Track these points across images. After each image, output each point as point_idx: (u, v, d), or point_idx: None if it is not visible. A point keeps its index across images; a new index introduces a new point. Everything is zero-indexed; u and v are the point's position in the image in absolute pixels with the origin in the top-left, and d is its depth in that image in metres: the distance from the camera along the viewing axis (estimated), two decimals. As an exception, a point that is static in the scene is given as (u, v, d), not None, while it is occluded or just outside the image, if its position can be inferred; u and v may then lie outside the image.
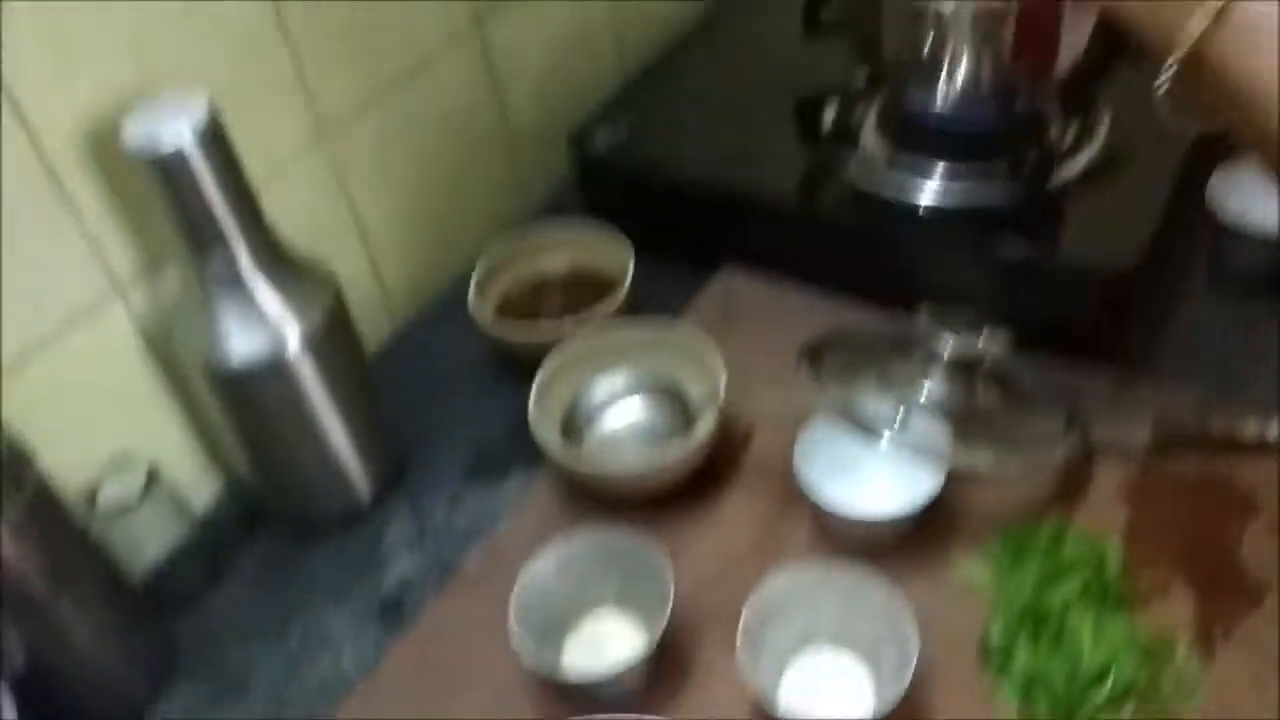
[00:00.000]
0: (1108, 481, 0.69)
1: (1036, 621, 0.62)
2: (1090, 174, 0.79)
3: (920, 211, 0.79)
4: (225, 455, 0.77)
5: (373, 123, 0.83)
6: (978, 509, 0.69)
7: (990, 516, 0.68)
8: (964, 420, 0.68)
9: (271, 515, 0.77)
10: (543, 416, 0.73)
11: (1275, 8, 0.48)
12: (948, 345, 0.69)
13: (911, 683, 0.57)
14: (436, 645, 0.68)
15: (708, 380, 0.74)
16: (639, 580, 0.64)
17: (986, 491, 0.69)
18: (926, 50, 0.74)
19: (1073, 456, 0.69)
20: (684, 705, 0.63)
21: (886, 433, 0.66)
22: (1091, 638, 0.60)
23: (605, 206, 0.91)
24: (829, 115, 0.83)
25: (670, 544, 0.66)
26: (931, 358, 0.70)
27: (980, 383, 0.70)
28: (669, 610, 0.61)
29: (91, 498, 0.69)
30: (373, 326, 0.87)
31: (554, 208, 0.94)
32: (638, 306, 0.83)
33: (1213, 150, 0.83)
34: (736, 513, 0.72)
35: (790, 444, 0.69)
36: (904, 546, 0.67)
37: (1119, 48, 0.74)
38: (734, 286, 0.87)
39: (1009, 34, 0.72)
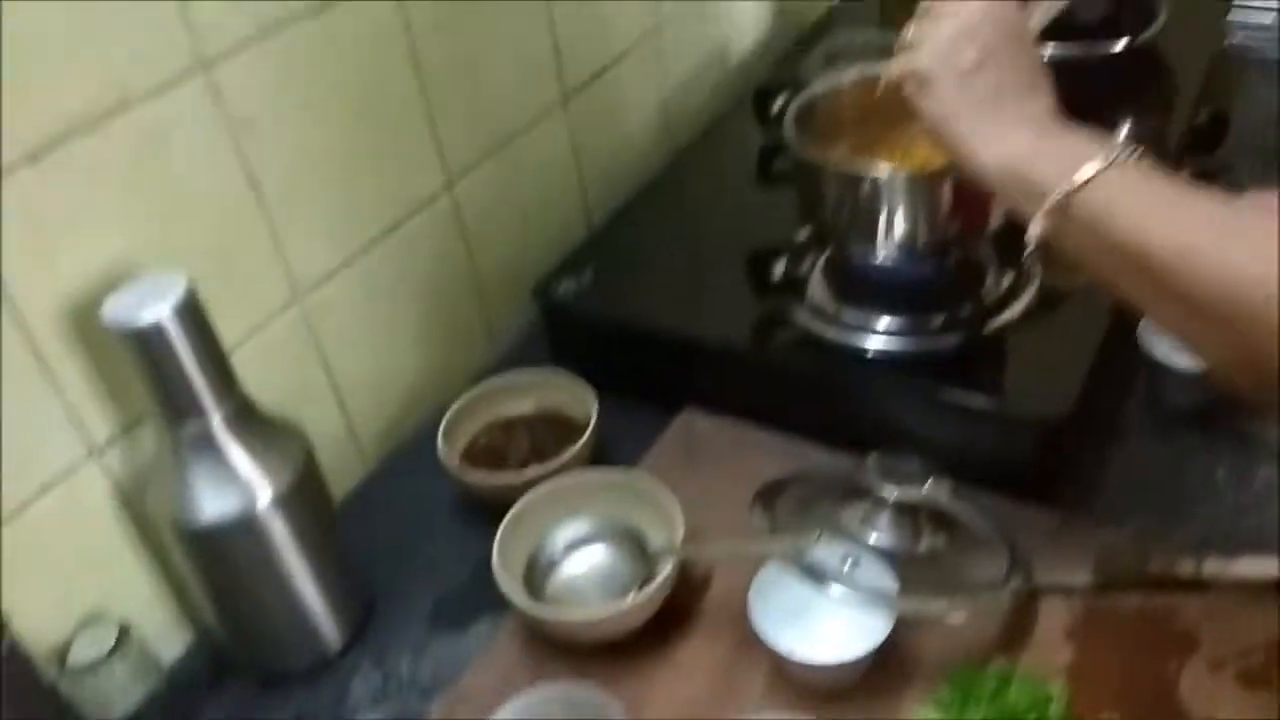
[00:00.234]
0: (1052, 622, 0.72)
1: (987, 767, 0.63)
2: (1026, 319, 0.83)
3: (868, 356, 0.83)
4: (195, 608, 0.78)
5: (346, 282, 0.87)
6: (928, 653, 0.70)
7: (940, 660, 0.70)
8: (912, 565, 0.71)
9: (240, 666, 0.77)
10: (506, 564, 0.75)
11: (1104, 195, 0.56)
12: (894, 493, 0.72)
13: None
14: (401, 799, 0.69)
15: (667, 526, 0.76)
16: (600, 732, 0.65)
17: (935, 635, 0.71)
18: (864, 211, 0.79)
19: (1018, 598, 0.72)
20: None
21: (835, 581, 0.69)
22: (1039, 783, 0.62)
23: (570, 353, 0.95)
24: (779, 267, 0.87)
25: (632, 690, 0.68)
26: (879, 504, 0.73)
27: (926, 528, 0.73)
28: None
29: (62, 655, 0.70)
30: (343, 474, 0.89)
31: (521, 355, 0.97)
32: (604, 445, 0.86)
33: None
34: (696, 657, 0.73)
35: (747, 588, 0.71)
36: (858, 691, 0.69)
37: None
38: (695, 426, 0.90)
39: (943, 197, 0.77)
